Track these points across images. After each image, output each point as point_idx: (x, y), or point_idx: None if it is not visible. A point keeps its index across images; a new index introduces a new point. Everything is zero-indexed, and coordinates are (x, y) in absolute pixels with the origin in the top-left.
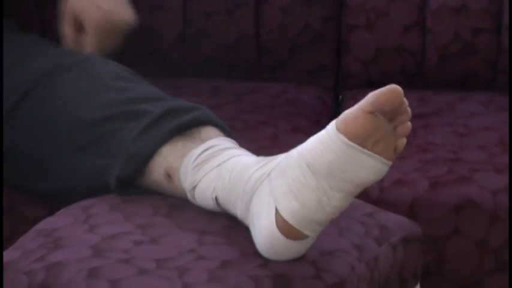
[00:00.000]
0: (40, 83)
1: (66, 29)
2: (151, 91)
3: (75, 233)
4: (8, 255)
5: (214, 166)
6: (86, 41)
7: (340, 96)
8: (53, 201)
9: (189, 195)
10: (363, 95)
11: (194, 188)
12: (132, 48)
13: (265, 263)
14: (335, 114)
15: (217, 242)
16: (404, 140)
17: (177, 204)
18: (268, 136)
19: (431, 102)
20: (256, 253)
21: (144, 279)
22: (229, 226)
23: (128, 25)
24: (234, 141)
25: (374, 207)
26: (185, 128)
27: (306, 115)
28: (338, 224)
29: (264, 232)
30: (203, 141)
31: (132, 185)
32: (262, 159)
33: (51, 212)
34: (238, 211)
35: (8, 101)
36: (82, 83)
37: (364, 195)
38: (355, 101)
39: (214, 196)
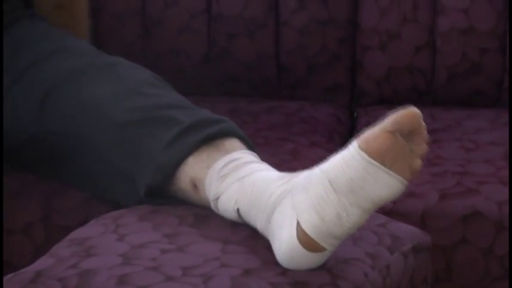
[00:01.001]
0: (69, 79)
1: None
2: (178, 99)
3: (106, 242)
4: (42, 262)
5: (238, 179)
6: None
7: (355, 114)
8: (85, 212)
9: (212, 205)
10: (377, 112)
11: (217, 198)
12: (159, 67)
13: (285, 271)
14: (350, 131)
15: (240, 251)
16: (420, 162)
17: (202, 215)
18: (288, 151)
19: (441, 119)
20: (276, 262)
21: (171, 285)
22: (251, 236)
23: None
24: (256, 155)
25: (386, 218)
26: (212, 139)
27: (322, 132)
28: (352, 233)
29: (284, 244)
30: (228, 152)
31: (160, 192)
32: (285, 176)
33: (83, 222)
34: (258, 223)
35: (38, 92)
36: (112, 86)
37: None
38: (369, 117)
39: (236, 208)
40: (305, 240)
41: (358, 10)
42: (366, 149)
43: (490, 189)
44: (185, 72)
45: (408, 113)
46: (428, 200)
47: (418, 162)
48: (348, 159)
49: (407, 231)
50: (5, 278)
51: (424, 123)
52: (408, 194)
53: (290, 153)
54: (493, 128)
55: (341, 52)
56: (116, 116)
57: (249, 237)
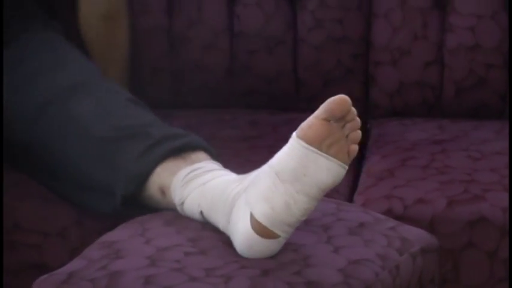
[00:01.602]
0: (60, 96)
1: None
2: (152, 118)
3: (133, 245)
4: (74, 264)
5: (199, 185)
6: None
7: (368, 125)
8: (114, 217)
9: (178, 209)
10: (389, 123)
11: (182, 203)
12: (185, 82)
13: (299, 271)
14: (363, 142)
15: None
16: (356, 147)
17: None
18: None
19: (448, 130)
20: (291, 262)
21: (194, 286)
22: None
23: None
24: (219, 164)
25: (396, 222)
26: (178, 151)
27: None
28: (364, 236)
29: (241, 235)
30: (193, 162)
31: (133, 201)
32: (241, 177)
33: (112, 226)
34: (220, 224)
35: (32, 105)
36: (95, 106)
37: (389, 212)
38: (382, 129)
39: (199, 210)
40: (259, 228)
41: (371, 28)
42: (303, 137)
43: (494, 196)
44: (209, 86)
45: (337, 100)
46: (436, 206)
47: (353, 148)
48: (290, 150)
49: (416, 234)
50: (39, 279)
51: (353, 109)
52: (418, 200)
53: None
54: (498, 139)
55: (355, 67)
56: (95, 132)
57: None
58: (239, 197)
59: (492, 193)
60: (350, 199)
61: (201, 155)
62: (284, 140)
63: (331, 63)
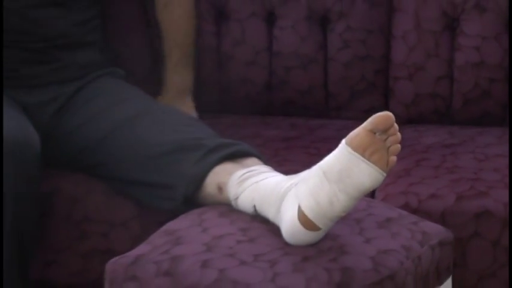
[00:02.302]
0: (126, 124)
1: None
2: (206, 131)
3: (192, 233)
4: (141, 249)
5: (253, 183)
6: None
7: None
8: (173, 213)
9: (233, 204)
10: (405, 130)
11: (237, 198)
12: (231, 94)
13: (336, 258)
14: None
15: None
16: (395, 158)
17: None
18: None
19: (457, 135)
20: (328, 250)
21: (244, 269)
22: None
23: None
24: (270, 167)
25: (418, 218)
26: (232, 157)
27: None
28: (390, 229)
29: (288, 224)
30: (247, 166)
31: (192, 200)
32: (290, 177)
33: (169, 219)
34: (270, 215)
35: (101, 131)
36: (156, 125)
37: (406, 206)
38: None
39: (253, 204)
40: (304, 220)
41: (390, 48)
42: (350, 144)
43: (497, 193)
44: (251, 98)
45: (383, 115)
46: (447, 201)
47: (392, 159)
48: (338, 154)
49: (434, 229)
50: (111, 261)
51: (396, 125)
52: (430, 195)
53: None
54: (500, 143)
55: (376, 81)
56: (159, 146)
57: None
58: (289, 191)
59: (495, 190)
60: (372, 194)
61: (254, 160)
62: (317, 142)
63: (356, 78)
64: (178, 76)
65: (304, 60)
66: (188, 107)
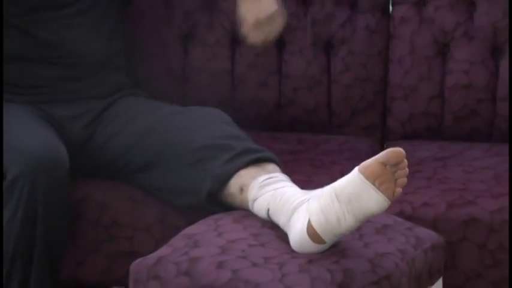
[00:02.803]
0: (165, 119)
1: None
2: (235, 133)
3: (208, 237)
4: (162, 251)
5: (272, 189)
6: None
7: (385, 145)
8: (192, 215)
9: (250, 205)
10: (401, 144)
11: (255, 200)
12: (244, 112)
13: (338, 260)
14: None
15: None
16: (400, 190)
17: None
18: (338, 172)
19: (448, 150)
20: (331, 254)
21: (255, 270)
22: None
23: (277, 18)
24: (287, 177)
25: (412, 224)
26: (256, 161)
27: (362, 158)
28: (387, 235)
29: (297, 234)
30: (269, 172)
31: (215, 198)
32: (305, 192)
33: (191, 222)
34: (281, 221)
35: (131, 137)
36: (189, 123)
37: (401, 213)
38: None
39: (267, 208)
40: (312, 233)
41: (388, 71)
42: (363, 172)
43: (483, 202)
44: (263, 115)
45: (395, 151)
46: (438, 209)
47: (398, 190)
48: (351, 179)
49: (427, 234)
50: (135, 262)
51: (405, 160)
52: (423, 204)
53: (340, 173)
54: (486, 157)
55: (375, 101)
56: (190, 144)
57: None
58: (302, 204)
59: (481, 199)
60: None
61: (275, 167)
62: (321, 155)
63: (356, 98)
64: None
65: (310, 82)
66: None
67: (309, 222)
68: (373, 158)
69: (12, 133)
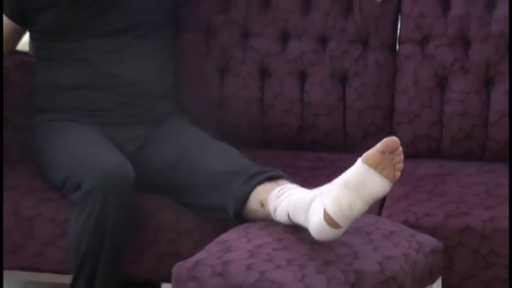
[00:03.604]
0: (192, 151)
1: None
2: (248, 162)
3: (239, 243)
4: (200, 255)
5: (286, 196)
6: None
7: None
8: (225, 223)
9: (272, 215)
10: (405, 163)
11: (275, 209)
12: (271, 135)
13: (350, 262)
14: None
15: (322, 250)
16: (399, 173)
17: (298, 228)
18: None
19: (446, 167)
20: (344, 256)
21: (279, 271)
22: (328, 242)
23: None
24: (297, 184)
25: (414, 231)
26: (269, 179)
27: None
28: (393, 240)
29: (316, 224)
30: (280, 185)
31: (241, 214)
32: (312, 190)
33: (224, 227)
34: (300, 219)
35: (172, 160)
36: (214, 154)
37: (405, 221)
38: None
39: (287, 213)
40: (329, 220)
41: (394, 100)
42: (366, 161)
43: (477, 212)
44: (287, 137)
45: (391, 140)
46: (437, 218)
47: (397, 174)
48: (356, 169)
49: (428, 239)
50: (176, 265)
51: (400, 147)
52: (424, 214)
53: None
54: (479, 174)
55: (384, 125)
56: (215, 171)
57: (328, 242)
58: (315, 198)
59: (475, 210)
60: (379, 212)
61: (285, 181)
62: (337, 172)
63: (368, 123)
64: None
65: (328, 108)
66: None
67: (325, 211)
68: (373, 148)
69: (86, 150)
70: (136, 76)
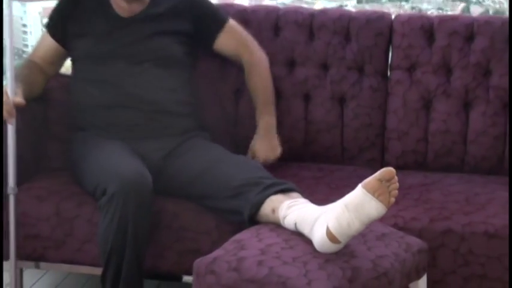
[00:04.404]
0: (217, 162)
1: None
2: (265, 174)
3: (251, 242)
4: (217, 252)
5: (297, 209)
6: None
7: None
8: (240, 225)
9: (281, 221)
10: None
11: (285, 217)
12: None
13: (348, 260)
14: None
15: None
16: (393, 199)
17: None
18: (348, 193)
19: (430, 178)
20: (342, 255)
21: (286, 267)
22: None
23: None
24: (307, 200)
25: (403, 233)
26: (283, 191)
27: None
28: (385, 241)
29: (319, 238)
30: (292, 198)
31: (255, 218)
32: (320, 207)
33: (239, 227)
34: (305, 231)
35: (195, 171)
36: (233, 166)
37: (395, 225)
38: None
39: (294, 223)
40: (330, 236)
41: (386, 119)
42: (365, 187)
43: (457, 217)
44: (293, 150)
45: (388, 170)
46: (423, 222)
47: (392, 200)
48: (356, 193)
49: (415, 241)
50: (197, 260)
51: (396, 177)
52: (412, 218)
53: None
54: (459, 184)
55: (376, 141)
56: (233, 182)
57: None
58: (320, 216)
59: (456, 215)
60: None
61: (297, 194)
62: (336, 180)
63: (363, 139)
64: (263, 120)
65: (328, 126)
66: (272, 143)
67: (327, 228)
68: (372, 176)
69: (111, 161)
70: (156, 96)
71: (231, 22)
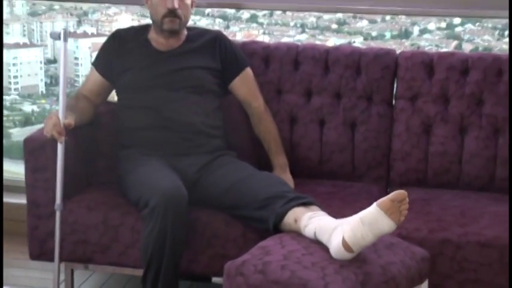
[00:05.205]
0: (246, 178)
1: None
2: (287, 188)
3: (275, 248)
4: (245, 256)
5: (317, 220)
6: None
7: (388, 190)
8: (265, 233)
9: (302, 230)
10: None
11: (305, 226)
12: (299, 166)
13: (360, 266)
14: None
15: None
16: (403, 218)
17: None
18: (358, 207)
19: (430, 194)
20: (355, 261)
21: (306, 271)
22: None
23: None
24: (325, 213)
25: (408, 243)
26: (304, 204)
27: (373, 198)
28: (393, 249)
29: (336, 247)
30: (313, 210)
31: (279, 227)
32: (338, 220)
33: (262, 238)
34: (324, 239)
35: (227, 185)
36: (260, 182)
37: (399, 235)
38: None
39: (314, 232)
40: (346, 246)
41: (392, 142)
42: (379, 206)
43: (453, 229)
44: (310, 169)
45: (400, 193)
46: (423, 233)
47: (402, 218)
48: (371, 210)
49: (418, 250)
50: (227, 263)
51: (407, 199)
52: (414, 229)
53: (359, 207)
54: (456, 199)
55: (383, 161)
56: (260, 195)
57: None
58: (337, 228)
59: (453, 227)
60: None
61: (316, 207)
62: (348, 196)
63: (371, 159)
64: (278, 160)
65: (341, 147)
66: (288, 177)
67: (343, 238)
68: (386, 197)
69: (152, 177)
70: (191, 120)
71: (248, 70)
